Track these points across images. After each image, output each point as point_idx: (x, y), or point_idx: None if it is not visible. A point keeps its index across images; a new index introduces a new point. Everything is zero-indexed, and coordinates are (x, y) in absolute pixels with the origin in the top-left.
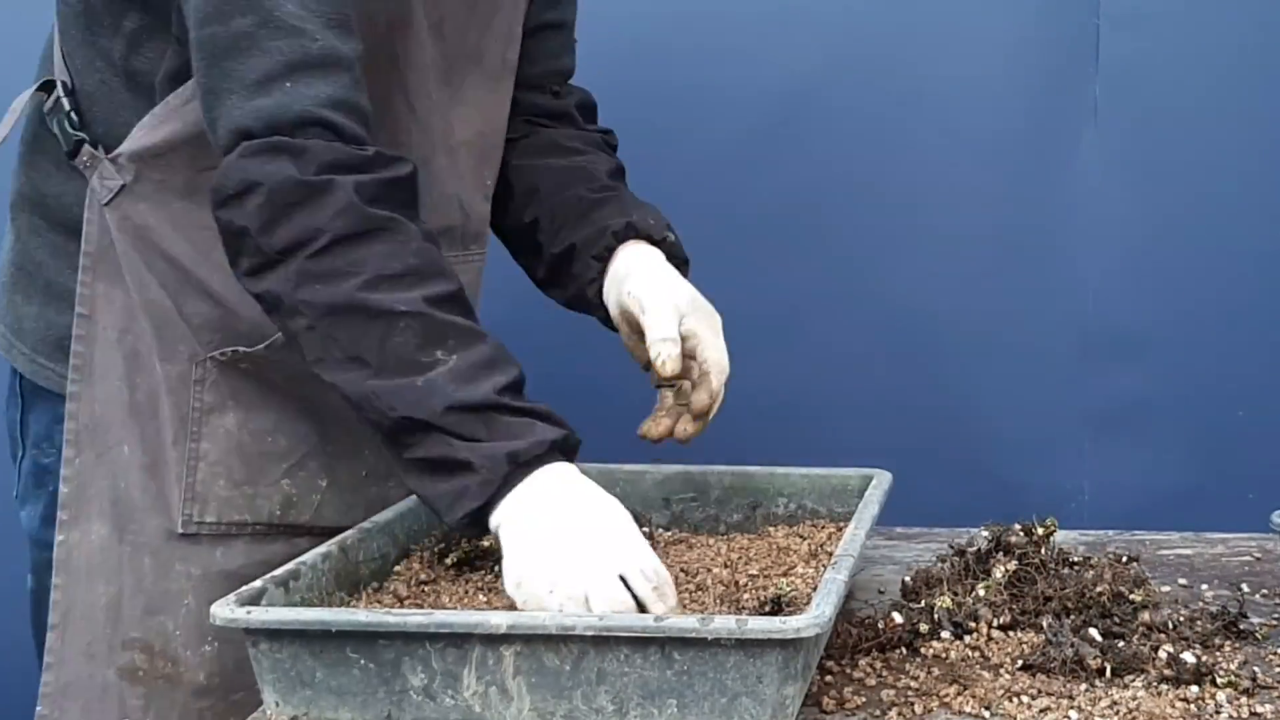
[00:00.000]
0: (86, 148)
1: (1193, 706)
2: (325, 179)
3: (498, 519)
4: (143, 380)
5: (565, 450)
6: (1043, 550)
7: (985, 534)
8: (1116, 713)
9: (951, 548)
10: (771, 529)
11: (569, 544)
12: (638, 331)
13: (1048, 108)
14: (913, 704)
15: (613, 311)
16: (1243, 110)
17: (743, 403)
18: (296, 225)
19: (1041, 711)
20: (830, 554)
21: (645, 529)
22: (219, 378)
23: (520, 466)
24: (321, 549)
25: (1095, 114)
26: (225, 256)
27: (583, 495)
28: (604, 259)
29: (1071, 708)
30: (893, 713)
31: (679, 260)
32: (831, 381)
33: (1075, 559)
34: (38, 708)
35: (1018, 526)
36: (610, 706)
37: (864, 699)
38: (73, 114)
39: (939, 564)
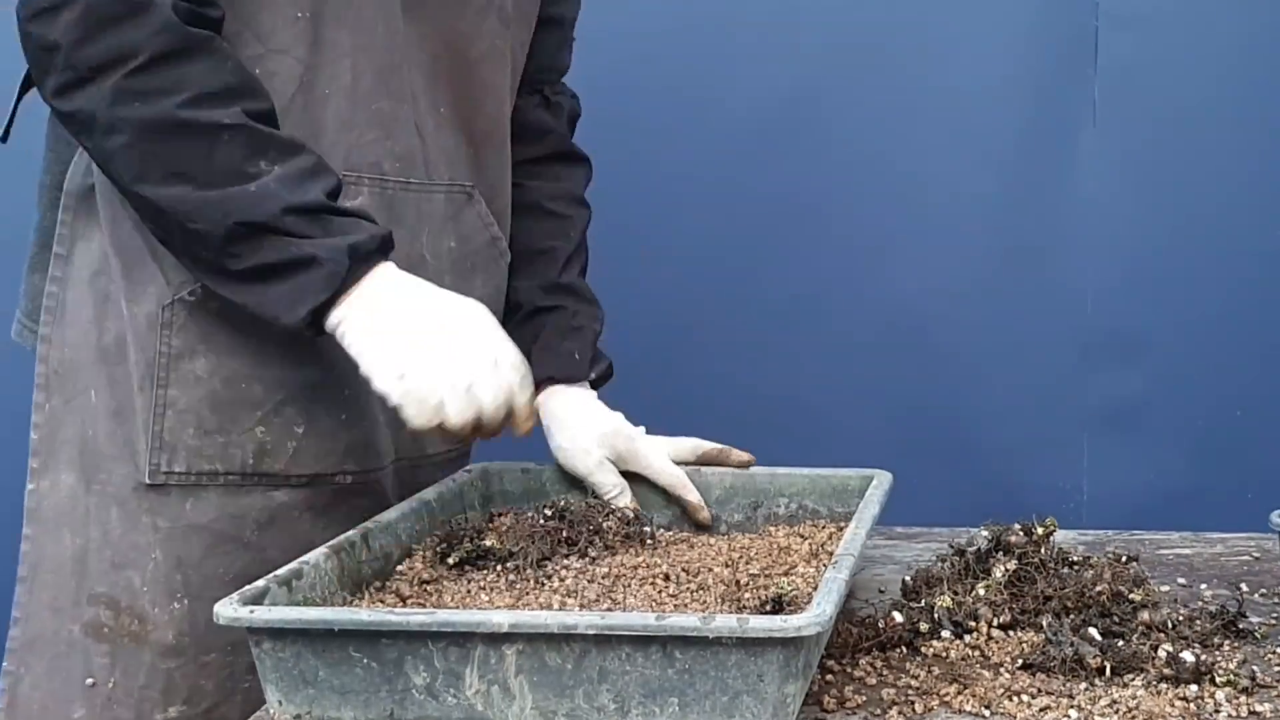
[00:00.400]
0: None
1: (1192, 705)
2: None
3: (339, 315)
4: (112, 324)
5: (388, 250)
6: (1042, 550)
7: (985, 534)
8: (1116, 711)
9: (951, 547)
10: (772, 529)
11: (440, 334)
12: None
13: (1047, 109)
14: (913, 703)
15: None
16: (1241, 111)
17: (744, 403)
18: (113, 41)
19: (1041, 710)
20: (831, 553)
21: (647, 528)
22: (188, 321)
23: (360, 260)
24: (324, 548)
25: (1094, 115)
26: None
27: (429, 290)
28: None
29: (1071, 707)
30: (893, 711)
31: (601, 381)
32: (832, 382)
33: (1075, 558)
34: (3, 663)
35: (1017, 526)
36: (612, 705)
37: (864, 698)
38: None
39: (939, 563)
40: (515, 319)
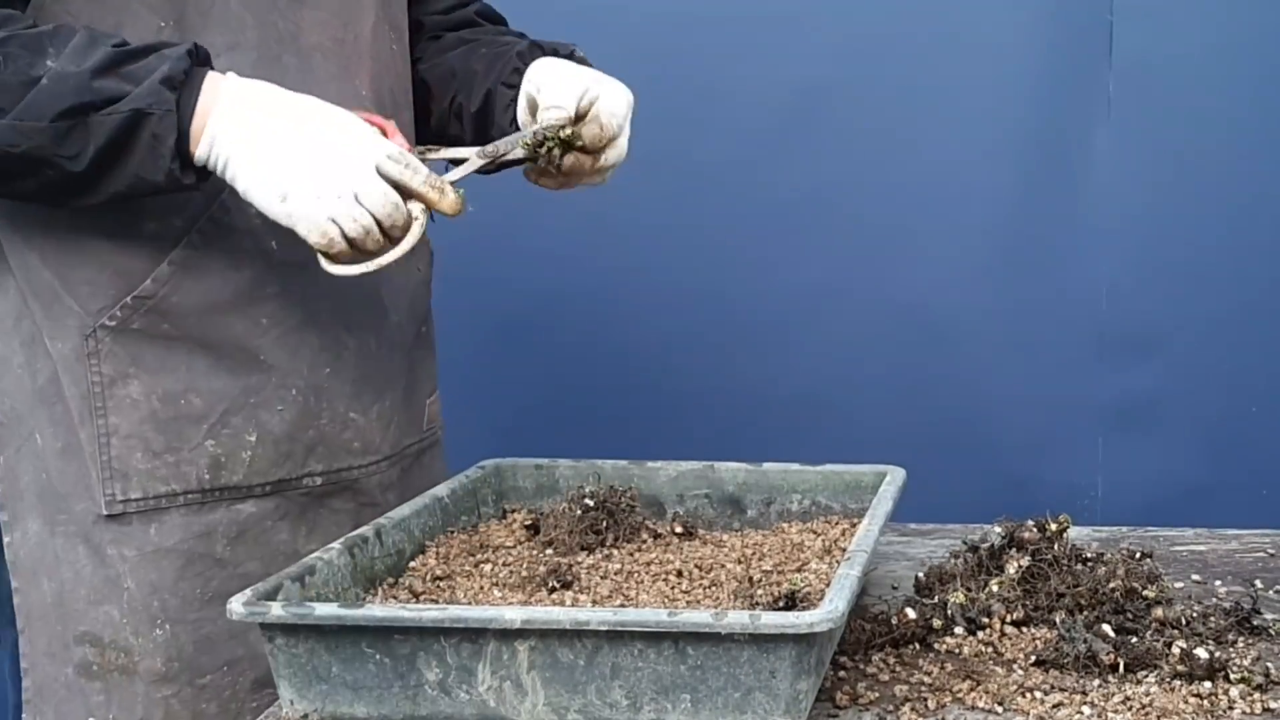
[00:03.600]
0: None
1: (1206, 702)
2: None
3: (204, 149)
4: (42, 364)
5: (200, 58)
6: (1056, 546)
7: (999, 530)
8: (1129, 708)
9: (965, 544)
10: (785, 525)
11: (312, 145)
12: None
13: (1061, 104)
14: (926, 699)
15: (521, 118)
16: (1256, 106)
17: (757, 400)
18: None
19: (1054, 707)
20: (844, 550)
21: (662, 523)
22: (113, 346)
23: (183, 86)
24: (337, 544)
25: (1109, 110)
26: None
27: (284, 97)
28: (514, 84)
29: (1084, 703)
30: (906, 708)
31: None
32: (845, 378)
33: (1089, 555)
34: (23, 715)
35: (1031, 523)
36: (624, 701)
37: (877, 694)
38: None
39: (952, 560)
40: (480, 68)
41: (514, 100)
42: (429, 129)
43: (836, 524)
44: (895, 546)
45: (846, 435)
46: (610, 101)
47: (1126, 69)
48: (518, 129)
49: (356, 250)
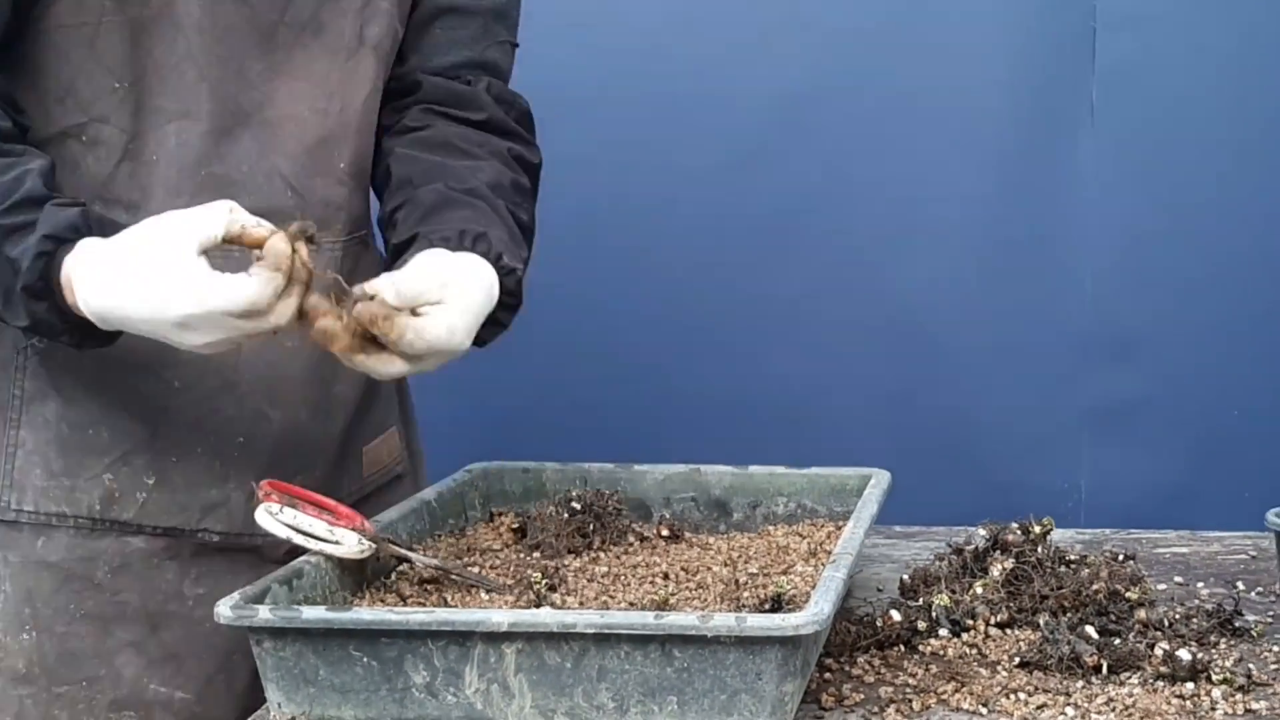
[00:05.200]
0: None
1: (1188, 703)
2: None
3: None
4: None
5: (86, 227)
6: (1039, 549)
7: (983, 533)
8: (1113, 709)
9: (949, 546)
10: (771, 528)
11: (140, 279)
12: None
13: (1045, 110)
14: (910, 701)
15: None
16: (1239, 111)
17: (742, 403)
18: None
19: (1038, 708)
20: (829, 552)
21: (648, 526)
22: (39, 366)
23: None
24: None
25: (1092, 116)
26: None
27: (128, 236)
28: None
29: (1068, 704)
30: (891, 709)
31: (507, 293)
32: (830, 382)
33: (1072, 557)
34: None
35: (1015, 525)
36: (611, 703)
37: (862, 696)
38: None
39: (937, 562)
40: (412, 212)
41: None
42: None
43: (822, 527)
44: (880, 549)
45: (832, 438)
46: (428, 319)
47: (1110, 76)
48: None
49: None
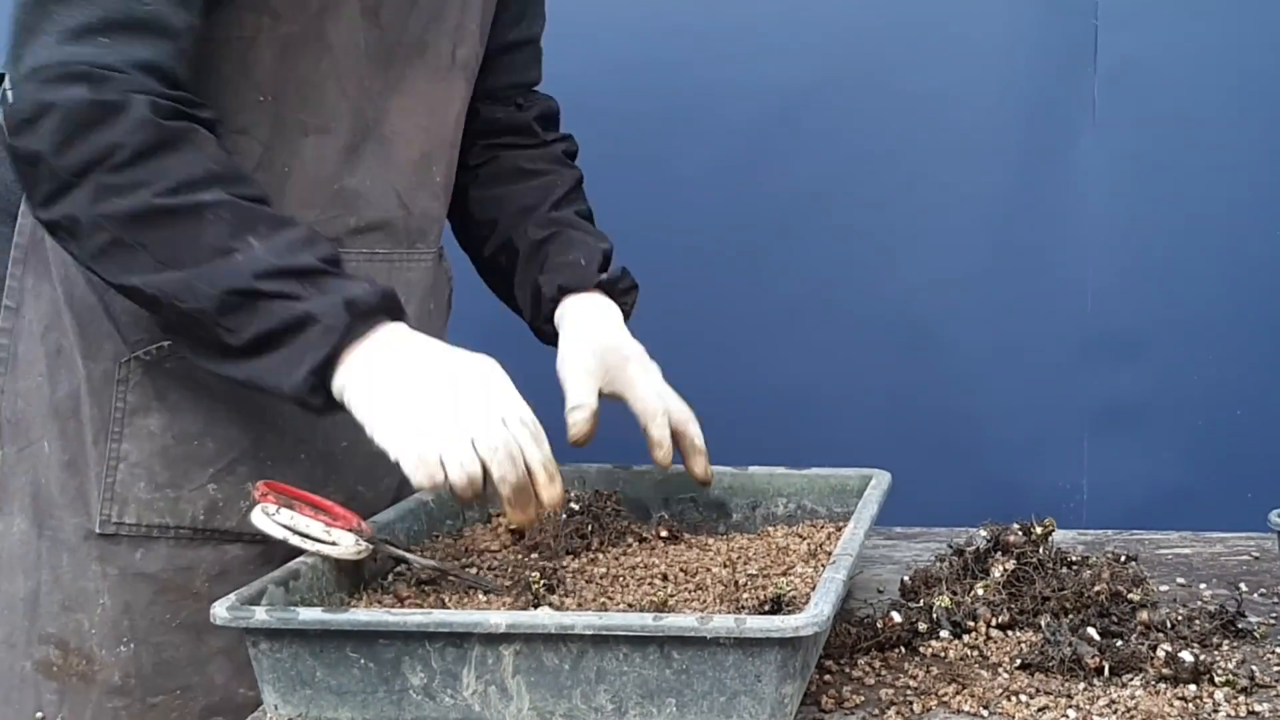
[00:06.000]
0: None
1: (1190, 705)
2: (120, 97)
3: (344, 378)
4: (65, 377)
5: (393, 310)
6: (1041, 550)
7: (984, 533)
8: (1115, 711)
9: (950, 547)
10: (771, 529)
11: (445, 389)
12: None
13: (1047, 108)
14: (911, 703)
15: (573, 371)
16: (1241, 110)
17: (742, 404)
18: (92, 143)
19: (1040, 710)
20: (829, 553)
21: (647, 527)
22: (144, 378)
23: (360, 316)
24: None
25: (1094, 114)
26: None
27: (435, 346)
28: (551, 319)
29: (1070, 706)
30: (891, 711)
31: (621, 290)
32: (830, 382)
33: (1074, 558)
34: None
35: (1016, 526)
36: (609, 705)
37: (863, 698)
38: (7, 92)
39: (938, 563)
40: (518, 262)
41: (555, 332)
42: (470, 253)
43: (822, 528)
44: (881, 550)
45: (832, 439)
46: (644, 399)
47: (1112, 73)
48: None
49: (456, 495)
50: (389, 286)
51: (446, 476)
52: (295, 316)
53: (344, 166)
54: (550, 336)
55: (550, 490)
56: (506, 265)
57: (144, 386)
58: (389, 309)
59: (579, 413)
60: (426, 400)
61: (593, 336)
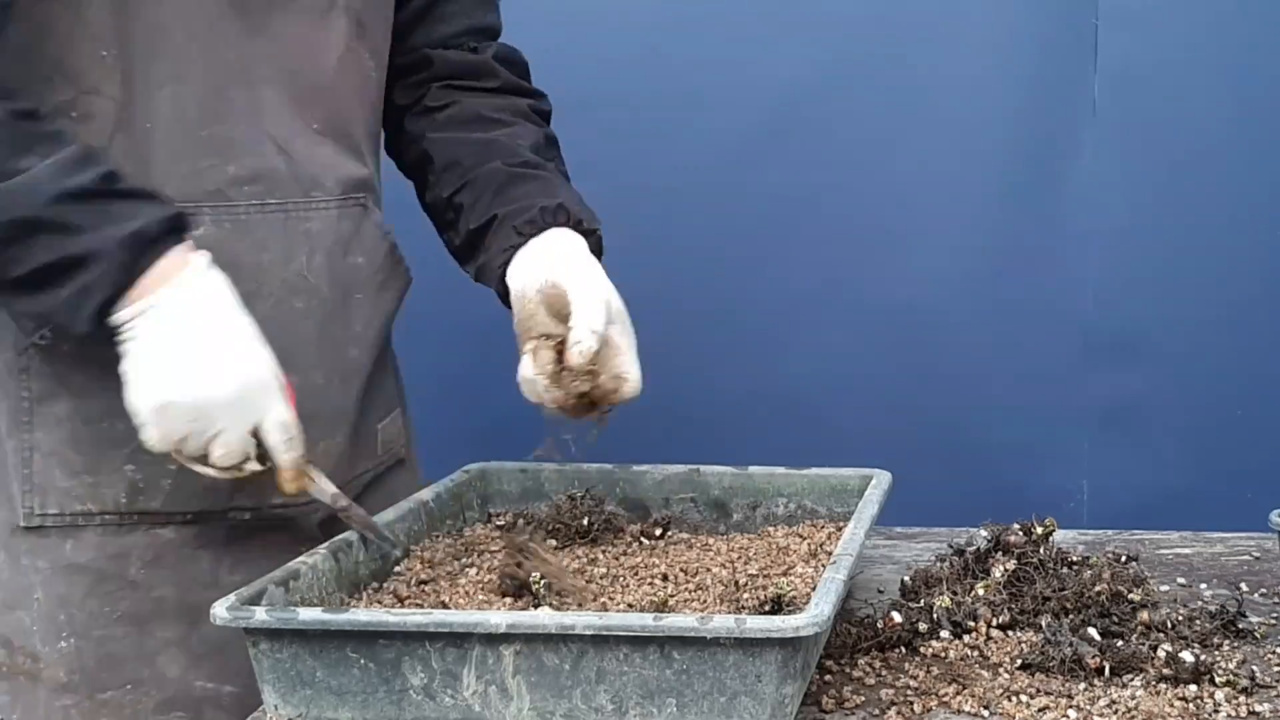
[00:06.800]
0: None
1: (1191, 705)
2: None
3: (126, 314)
4: None
5: (180, 228)
6: (1042, 550)
7: (984, 534)
8: (1115, 712)
9: (950, 547)
10: (771, 529)
11: (211, 372)
12: (557, 315)
13: (1047, 107)
14: (912, 703)
15: (522, 287)
16: (1241, 110)
17: (742, 403)
18: None
19: (1040, 710)
20: (829, 553)
21: (647, 527)
22: (44, 365)
23: (142, 250)
24: (322, 549)
25: (1094, 113)
26: None
27: (218, 310)
28: (525, 234)
29: (1070, 707)
30: (892, 711)
31: (598, 254)
32: (831, 382)
33: (1074, 558)
34: None
35: (1017, 526)
36: (609, 705)
37: (863, 698)
38: None
39: (938, 564)
40: (481, 199)
41: (515, 248)
42: (423, 200)
43: (822, 528)
44: (881, 550)
45: (832, 439)
46: (629, 368)
47: (1112, 73)
48: (503, 274)
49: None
50: (174, 208)
51: (180, 454)
52: (75, 255)
53: (209, 114)
54: (496, 255)
55: (288, 487)
56: (468, 200)
57: (46, 373)
58: (175, 229)
59: (593, 338)
60: (187, 379)
61: (605, 280)
